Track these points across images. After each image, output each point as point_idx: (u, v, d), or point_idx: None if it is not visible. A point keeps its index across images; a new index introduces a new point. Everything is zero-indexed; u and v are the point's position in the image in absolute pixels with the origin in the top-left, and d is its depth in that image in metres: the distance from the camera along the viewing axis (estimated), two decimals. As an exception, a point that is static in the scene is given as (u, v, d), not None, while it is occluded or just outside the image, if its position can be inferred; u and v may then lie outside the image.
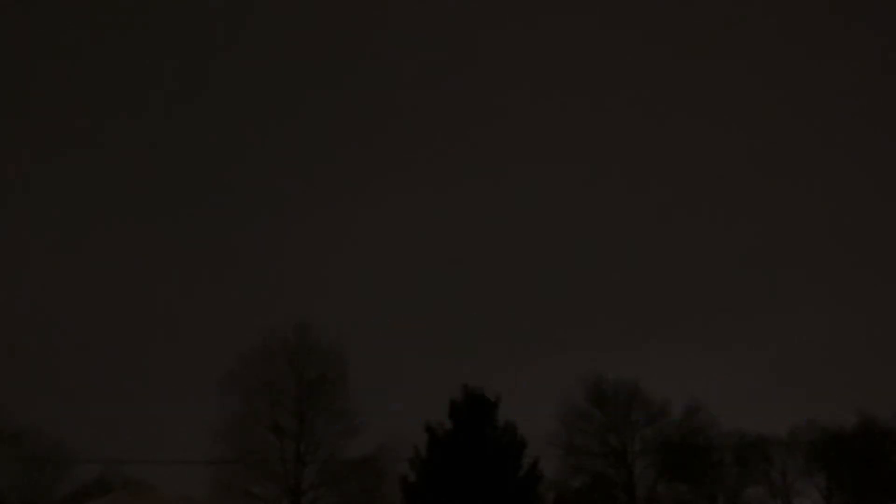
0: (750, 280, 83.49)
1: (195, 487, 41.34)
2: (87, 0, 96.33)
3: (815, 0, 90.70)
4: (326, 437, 42.14)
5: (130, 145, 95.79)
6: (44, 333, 61.98)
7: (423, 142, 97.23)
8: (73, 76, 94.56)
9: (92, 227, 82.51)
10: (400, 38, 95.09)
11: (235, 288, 77.68)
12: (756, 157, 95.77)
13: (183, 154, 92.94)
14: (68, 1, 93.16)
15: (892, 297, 79.92)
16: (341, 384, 42.75)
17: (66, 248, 78.35)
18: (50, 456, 45.46)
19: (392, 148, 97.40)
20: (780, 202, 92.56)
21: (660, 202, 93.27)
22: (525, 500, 33.04)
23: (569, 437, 52.54)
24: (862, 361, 71.03)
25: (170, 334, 64.35)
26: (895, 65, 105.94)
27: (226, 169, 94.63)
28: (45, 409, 50.20)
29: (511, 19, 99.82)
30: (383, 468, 41.55)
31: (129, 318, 67.75)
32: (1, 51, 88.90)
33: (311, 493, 41.32)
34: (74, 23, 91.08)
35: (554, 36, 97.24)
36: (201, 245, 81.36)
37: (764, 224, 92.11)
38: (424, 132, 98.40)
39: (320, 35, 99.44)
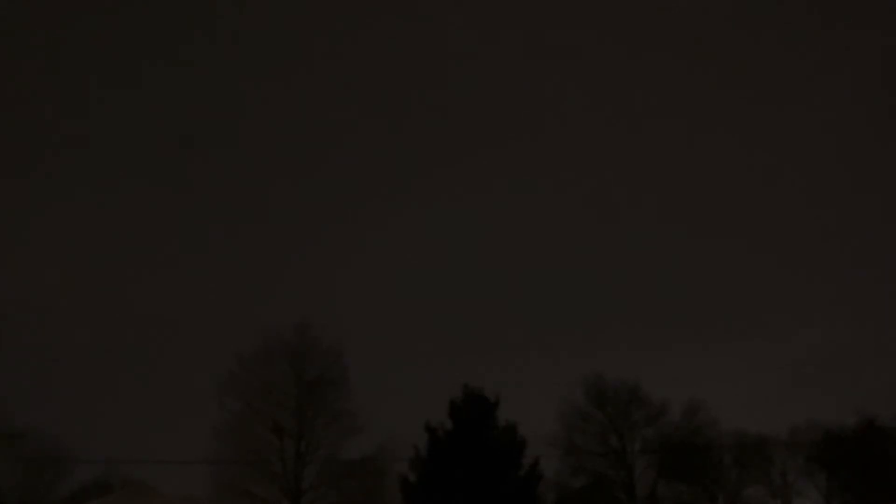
0: (750, 282, 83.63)
1: (195, 487, 41.41)
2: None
3: (803, 9, 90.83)
4: (326, 437, 42.04)
5: (131, 144, 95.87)
6: (44, 333, 62.01)
7: (424, 148, 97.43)
8: (73, 76, 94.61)
9: (92, 227, 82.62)
10: (402, 51, 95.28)
11: (236, 289, 77.82)
12: (755, 159, 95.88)
13: (184, 158, 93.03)
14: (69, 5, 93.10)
15: (891, 297, 79.97)
16: (341, 384, 42.67)
17: (67, 248, 78.44)
18: (50, 456, 45.49)
19: (392, 153, 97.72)
20: (780, 205, 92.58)
21: (660, 204, 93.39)
22: (525, 500, 33.02)
23: (569, 437, 52.55)
24: (862, 362, 71.06)
25: (170, 335, 64.34)
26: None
27: (229, 173, 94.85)
28: (45, 409, 50.29)
29: (501, 29, 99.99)
30: (383, 468, 41.51)
31: (130, 319, 67.73)
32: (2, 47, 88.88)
33: (311, 493, 41.23)
34: (74, 25, 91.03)
35: (554, 46, 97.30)
36: (202, 246, 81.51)
37: (764, 227, 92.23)
38: (424, 139, 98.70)
39: (337, 44, 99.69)
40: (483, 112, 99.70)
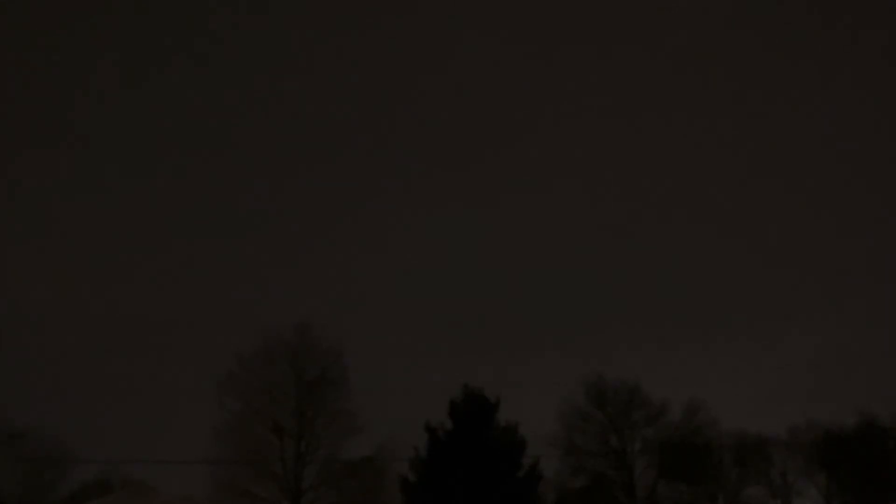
0: (751, 282, 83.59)
1: (195, 487, 41.36)
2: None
3: (803, 9, 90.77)
4: (326, 437, 42.03)
5: (131, 144, 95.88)
6: (44, 334, 61.96)
7: (424, 148, 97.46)
8: (73, 76, 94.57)
9: (92, 227, 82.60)
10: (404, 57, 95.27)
11: (236, 289, 77.69)
12: (755, 159, 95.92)
13: (184, 158, 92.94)
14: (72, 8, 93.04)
15: (891, 298, 79.85)
16: (341, 384, 42.68)
17: (67, 248, 78.40)
18: (50, 456, 45.49)
19: (392, 153, 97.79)
20: (780, 205, 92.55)
21: (660, 204, 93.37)
22: (525, 501, 33.07)
23: (569, 437, 52.56)
24: (862, 362, 71.04)
25: (170, 335, 64.23)
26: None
27: (229, 173, 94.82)
28: (45, 410, 50.25)
29: (501, 29, 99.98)
30: (383, 468, 41.56)
31: (130, 319, 67.66)
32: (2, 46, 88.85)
33: (311, 493, 41.24)
34: (74, 25, 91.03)
35: (554, 46, 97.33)
36: (203, 247, 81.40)
37: (764, 227, 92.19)
38: (424, 140, 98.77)
39: (337, 44, 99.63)
40: (483, 112, 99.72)
